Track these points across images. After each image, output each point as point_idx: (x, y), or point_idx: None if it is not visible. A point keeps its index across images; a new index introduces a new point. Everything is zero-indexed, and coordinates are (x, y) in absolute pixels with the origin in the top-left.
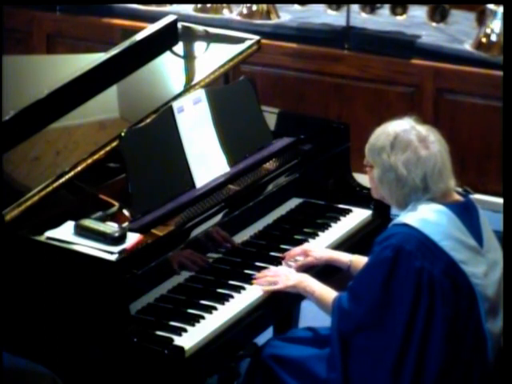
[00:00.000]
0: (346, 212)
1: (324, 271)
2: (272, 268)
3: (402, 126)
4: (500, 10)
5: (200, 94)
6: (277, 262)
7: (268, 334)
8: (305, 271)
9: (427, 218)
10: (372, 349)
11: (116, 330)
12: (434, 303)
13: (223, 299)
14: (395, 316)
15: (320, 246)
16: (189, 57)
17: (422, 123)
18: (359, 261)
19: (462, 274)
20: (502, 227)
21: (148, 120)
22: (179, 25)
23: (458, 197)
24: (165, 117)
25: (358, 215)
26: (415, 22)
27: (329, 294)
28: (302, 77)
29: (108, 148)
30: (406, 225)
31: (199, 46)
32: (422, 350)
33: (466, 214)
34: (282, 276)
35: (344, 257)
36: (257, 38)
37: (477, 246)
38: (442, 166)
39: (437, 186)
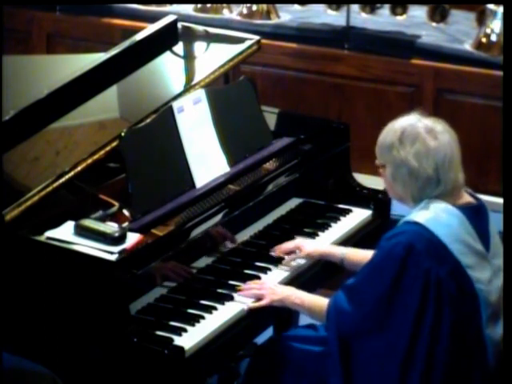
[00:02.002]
0: (346, 212)
1: (324, 270)
2: (259, 280)
3: (408, 121)
4: (500, 10)
5: (200, 93)
6: (277, 262)
7: (268, 334)
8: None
9: (438, 218)
10: (376, 351)
11: (116, 330)
12: (440, 304)
13: (223, 299)
14: (402, 316)
15: (313, 242)
16: (189, 57)
17: (427, 116)
18: (353, 254)
19: (467, 279)
20: (502, 227)
21: (148, 120)
22: (179, 25)
23: (469, 198)
24: (165, 117)
25: (358, 215)
26: (415, 21)
27: (320, 301)
28: (301, 77)
29: (108, 148)
30: (417, 223)
31: (199, 46)
32: (430, 352)
33: (477, 217)
34: (268, 289)
35: (337, 250)
36: (257, 38)
37: (483, 251)
38: (451, 155)
39: (447, 176)
